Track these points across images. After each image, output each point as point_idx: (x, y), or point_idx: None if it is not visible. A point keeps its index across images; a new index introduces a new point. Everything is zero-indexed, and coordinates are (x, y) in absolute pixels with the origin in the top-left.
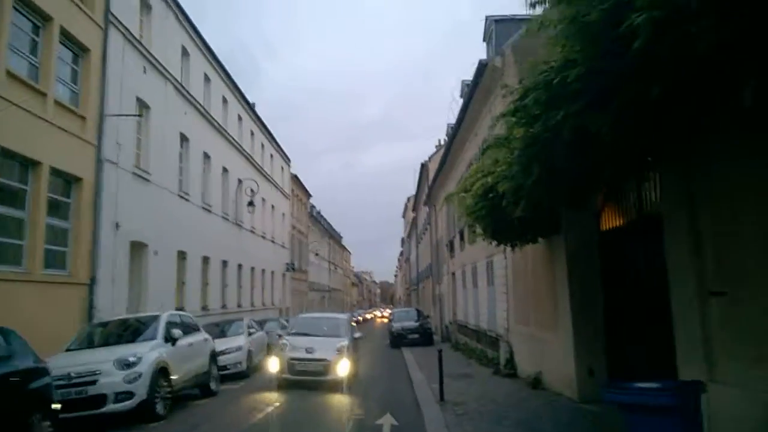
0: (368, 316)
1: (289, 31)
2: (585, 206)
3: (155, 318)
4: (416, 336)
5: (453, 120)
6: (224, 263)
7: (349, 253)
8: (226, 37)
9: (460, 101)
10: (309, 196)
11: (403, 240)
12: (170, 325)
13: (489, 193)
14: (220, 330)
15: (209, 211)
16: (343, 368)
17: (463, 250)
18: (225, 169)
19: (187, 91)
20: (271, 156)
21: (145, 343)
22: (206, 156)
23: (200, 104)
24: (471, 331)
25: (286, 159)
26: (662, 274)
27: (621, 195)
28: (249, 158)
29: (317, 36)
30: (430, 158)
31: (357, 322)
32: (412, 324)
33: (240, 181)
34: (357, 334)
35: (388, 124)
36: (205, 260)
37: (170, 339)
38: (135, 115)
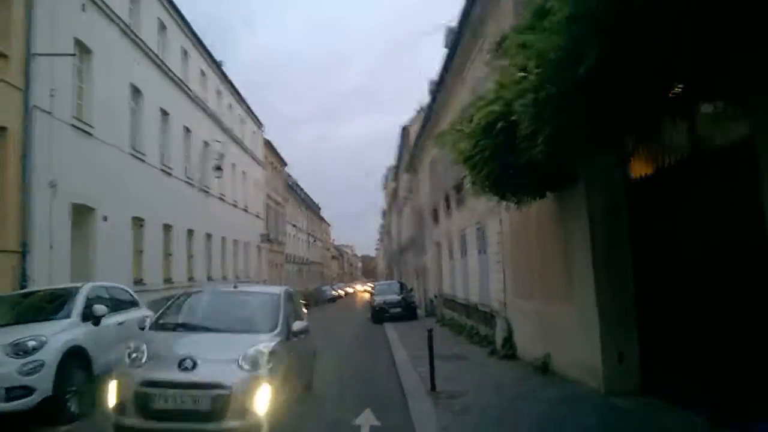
0: (349, 289)
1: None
2: (615, 147)
3: (75, 291)
4: (399, 310)
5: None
6: (189, 232)
7: (329, 225)
8: (200, 4)
9: (444, 52)
10: (284, 164)
11: (384, 212)
12: (93, 300)
13: (495, 125)
14: None
15: (170, 174)
16: (259, 402)
17: (449, 216)
18: (187, 129)
19: (139, 38)
20: (241, 119)
21: (56, 322)
22: (164, 113)
23: (155, 54)
24: (459, 306)
25: (258, 123)
26: (730, 232)
27: (664, 131)
28: (215, 119)
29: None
30: (411, 121)
31: (336, 297)
32: (394, 297)
33: (206, 144)
34: (299, 325)
35: (369, 92)
36: (167, 228)
37: (91, 317)
38: (68, 55)
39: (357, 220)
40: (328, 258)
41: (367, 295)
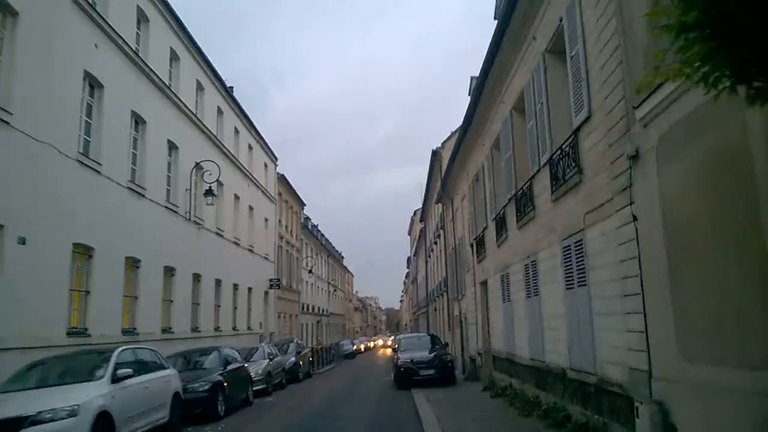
0: (371, 344)
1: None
2: None
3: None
4: (431, 372)
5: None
6: (169, 270)
7: (352, 275)
8: (232, 68)
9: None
10: (303, 204)
11: (409, 259)
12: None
13: None
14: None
15: (141, 195)
16: None
17: (504, 243)
18: (173, 145)
19: (102, 18)
20: (250, 147)
21: None
22: (137, 117)
23: (125, 42)
24: (524, 370)
25: (272, 156)
26: None
27: None
28: (212, 138)
29: (327, 58)
30: (443, 144)
31: (355, 352)
32: (424, 355)
33: (198, 166)
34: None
35: (398, 147)
36: (132, 262)
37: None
38: None
39: (382, 273)
40: (350, 310)
41: (388, 351)
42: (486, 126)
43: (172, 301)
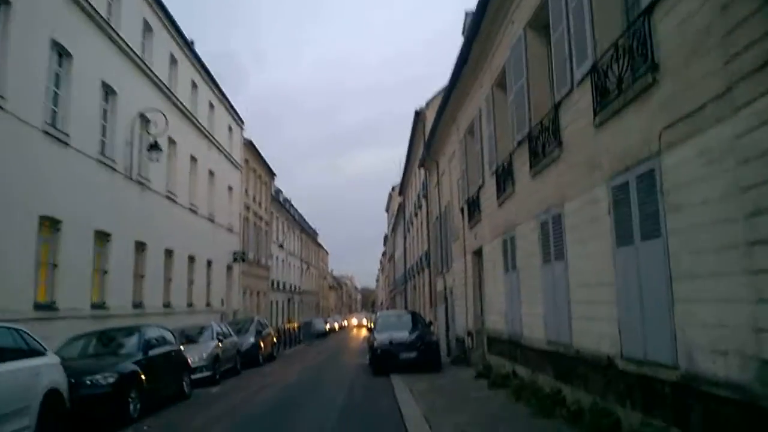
0: (345, 323)
1: (277, 36)
2: None
3: None
4: (413, 355)
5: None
6: (102, 236)
7: (327, 252)
8: (213, 39)
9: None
10: (273, 175)
11: (385, 237)
12: None
13: None
14: None
15: (63, 142)
16: None
17: (509, 197)
18: (110, 89)
19: None
20: (211, 106)
21: None
22: (58, 48)
23: None
24: (538, 355)
25: (237, 118)
26: None
27: None
28: (163, 89)
29: (306, 39)
30: (427, 104)
31: (331, 330)
32: (405, 335)
33: (143, 118)
34: None
35: (376, 128)
36: (50, 224)
37: None
38: None
39: (358, 253)
40: (325, 288)
41: (363, 331)
42: (486, 62)
43: (106, 272)
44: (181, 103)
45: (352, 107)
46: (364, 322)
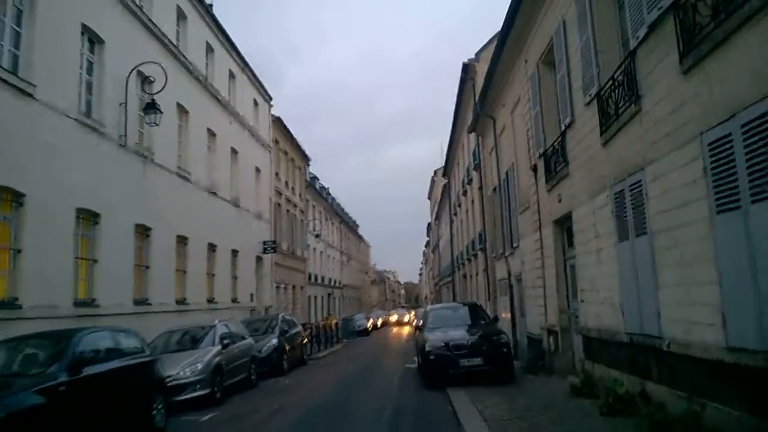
0: (390, 318)
1: (312, 31)
2: None
3: None
4: (478, 361)
5: None
6: (89, 216)
7: (368, 245)
8: (249, 42)
9: None
10: (307, 159)
11: (429, 226)
12: None
13: None
14: None
15: (29, 95)
16: None
17: (631, 123)
18: (94, 36)
19: None
20: (232, 75)
21: None
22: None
23: None
24: (713, 372)
25: (264, 93)
26: None
27: None
28: (167, 45)
29: (340, 32)
30: (477, 55)
31: (374, 326)
32: (464, 336)
33: (141, 76)
34: None
35: (411, 120)
36: (13, 197)
37: None
38: None
39: (401, 248)
40: (367, 282)
41: (405, 329)
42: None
43: (96, 261)
44: (194, 66)
45: (387, 101)
46: (406, 318)
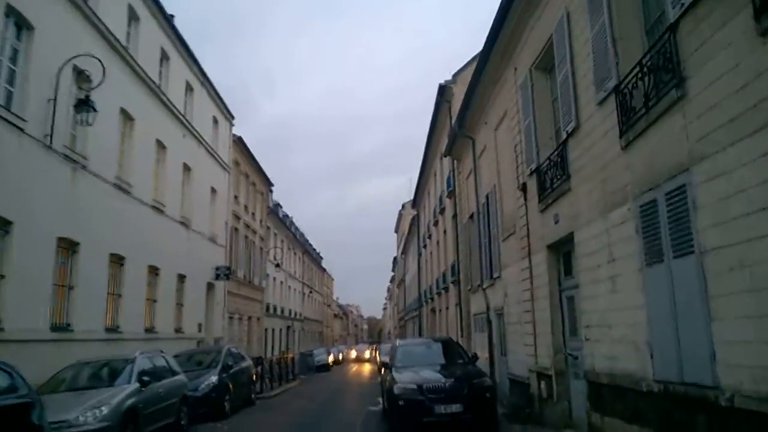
0: (352, 353)
1: (287, 66)
2: None
3: None
4: (456, 408)
5: None
6: (2, 225)
7: (332, 278)
8: (224, 72)
9: None
10: (270, 185)
11: (395, 260)
12: None
13: None
14: None
15: None
16: None
17: (672, 112)
18: (22, 21)
19: None
20: (190, 88)
21: None
22: None
23: None
24: None
25: (225, 111)
26: None
27: None
28: (113, 42)
29: (315, 69)
30: (454, 77)
31: (335, 362)
32: (438, 377)
33: (77, 71)
34: None
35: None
36: None
37: None
38: None
39: (363, 284)
40: (329, 316)
41: (366, 366)
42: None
43: (2, 276)
44: (144, 71)
45: (359, 138)
46: (367, 354)
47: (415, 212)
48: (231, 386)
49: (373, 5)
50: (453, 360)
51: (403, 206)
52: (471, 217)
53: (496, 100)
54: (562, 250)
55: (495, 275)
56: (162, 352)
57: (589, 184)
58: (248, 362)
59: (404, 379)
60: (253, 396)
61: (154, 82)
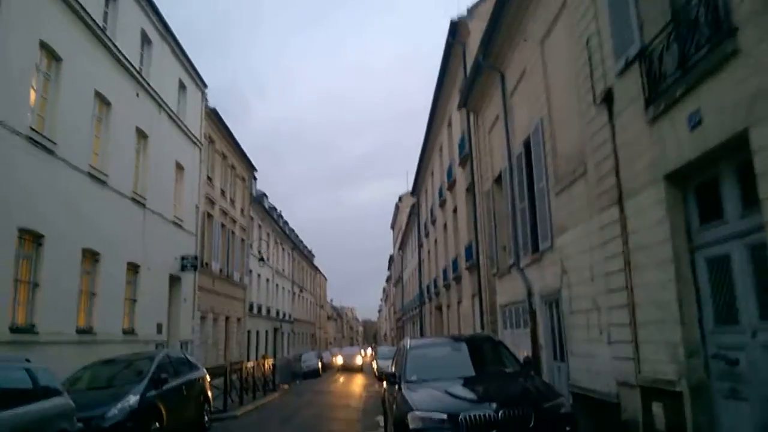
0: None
1: (280, 68)
2: None
3: None
4: None
5: None
6: None
7: (324, 278)
8: (217, 77)
9: None
10: (252, 169)
11: (391, 258)
12: None
13: None
14: None
15: None
16: None
17: None
18: None
19: None
20: (147, 39)
21: None
22: None
23: None
24: None
25: (196, 78)
26: None
27: None
28: None
29: (309, 70)
30: (469, 11)
31: (327, 366)
32: (479, 399)
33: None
34: None
35: (377, 160)
36: None
37: None
38: None
39: (358, 287)
40: (322, 318)
41: (359, 375)
42: None
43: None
44: (81, 3)
45: (352, 142)
46: (358, 361)
47: (415, 199)
48: (164, 409)
49: (365, 12)
50: (497, 370)
51: (401, 198)
52: (497, 180)
53: (535, 14)
54: (697, 180)
55: (543, 246)
56: (27, 360)
57: None
58: (199, 372)
59: (423, 401)
60: (206, 418)
61: (93, 20)
